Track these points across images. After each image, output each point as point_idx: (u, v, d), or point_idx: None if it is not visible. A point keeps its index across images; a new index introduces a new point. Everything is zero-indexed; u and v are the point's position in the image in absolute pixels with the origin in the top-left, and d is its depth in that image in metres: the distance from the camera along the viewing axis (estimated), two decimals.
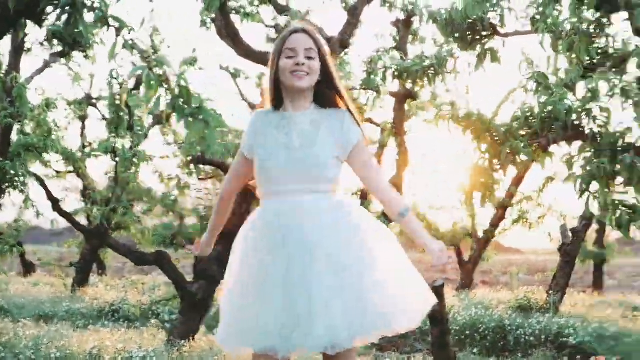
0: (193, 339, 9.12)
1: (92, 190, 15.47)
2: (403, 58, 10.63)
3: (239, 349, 4.20)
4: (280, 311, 4.07)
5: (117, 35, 3.66)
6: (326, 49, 4.49)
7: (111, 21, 3.68)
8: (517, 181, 17.86)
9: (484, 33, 7.98)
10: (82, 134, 18.39)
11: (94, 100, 17.51)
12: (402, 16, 13.61)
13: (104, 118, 17.49)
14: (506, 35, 8.02)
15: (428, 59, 8.47)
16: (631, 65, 6.66)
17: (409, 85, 8.61)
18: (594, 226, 17.46)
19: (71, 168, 15.93)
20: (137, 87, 10.12)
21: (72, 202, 17.62)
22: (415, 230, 4.38)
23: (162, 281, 18.59)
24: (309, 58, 4.34)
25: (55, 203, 13.54)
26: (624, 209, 6.26)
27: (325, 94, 4.48)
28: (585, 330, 11.22)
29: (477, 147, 6.49)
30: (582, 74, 7.50)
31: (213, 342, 9.22)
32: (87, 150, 16.12)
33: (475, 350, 11.29)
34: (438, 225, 20.10)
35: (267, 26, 12.27)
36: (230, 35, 8.82)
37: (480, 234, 19.58)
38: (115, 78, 8.56)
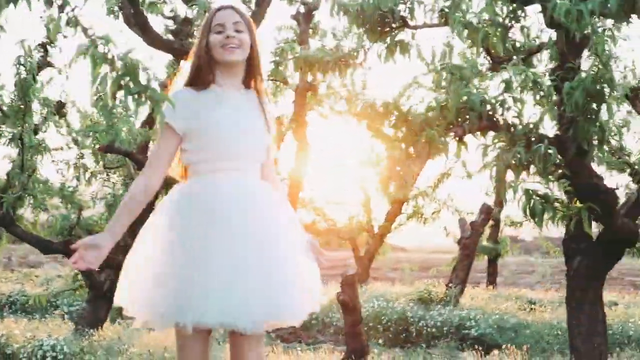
0: (101, 327, 9.01)
1: None
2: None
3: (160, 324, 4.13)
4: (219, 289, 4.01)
5: (61, 12, 3.54)
6: (253, 25, 4.48)
7: None
8: (413, 176, 18.01)
9: (394, 25, 8.01)
10: None
11: None
12: (302, 9, 13.62)
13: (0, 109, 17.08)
14: (415, 27, 8.05)
15: (336, 51, 8.47)
16: (544, 57, 6.80)
17: (320, 76, 8.58)
18: (490, 222, 17.76)
19: None
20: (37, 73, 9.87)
21: None
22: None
23: (55, 274, 18.38)
24: (238, 31, 4.32)
25: None
26: (537, 198, 6.35)
27: (249, 73, 4.46)
28: (486, 322, 11.41)
29: (394, 136, 6.51)
30: (490, 67, 7.64)
31: (119, 331, 9.13)
32: None
33: (380, 342, 11.38)
34: (335, 221, 20.16)
35: (165, 17, 12.14)
36: (138, 23, 8.70)
37: (376, 230, 19.70)
38: (22, 64, 8.36)
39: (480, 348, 10.37)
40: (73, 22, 3.66)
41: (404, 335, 11.72)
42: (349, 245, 20.35)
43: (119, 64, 3.60)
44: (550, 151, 6.13)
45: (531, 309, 13.15)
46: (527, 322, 11.52)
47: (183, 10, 11.24)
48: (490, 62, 7.67)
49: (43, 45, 12.09)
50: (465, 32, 6.68)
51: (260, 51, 4.49)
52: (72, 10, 3.66)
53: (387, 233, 19.64)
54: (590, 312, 7.22)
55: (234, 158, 4.25)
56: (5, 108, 9.17)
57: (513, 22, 6.53)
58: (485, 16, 6.55)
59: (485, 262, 19.53)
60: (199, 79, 4.33)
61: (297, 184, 13.30)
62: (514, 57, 7.50)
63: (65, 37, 7.92)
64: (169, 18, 11.95)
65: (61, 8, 3.64)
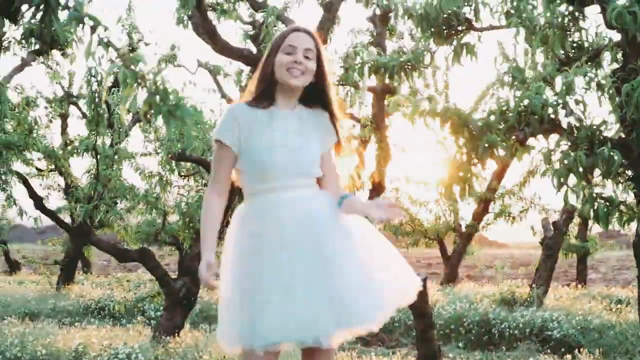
0: (178, 335, 9.13)
1: (75, 187, 15.46)
2: (380, 54, 10.62)
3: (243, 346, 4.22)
4: (298, 305, 4.13)
5: (92, 33, 3.62)
6: (325, 53, 4.53)
7: (86, 20, 3.63)
8: (499, 175, 17.88)
9: (460, 28, 7.95)
10: (63, 132, 18.36)
11: (74, 99, 17.47)
12: (378, 12, 13.60)
13: (84, 116, 17.43)
14: (481, 29, 7.98)
15: (405, 54, 8.44)
16: (605, 58, 6.67)
17: (387, 80, 8.56)
18: (577, 219, 17.48)
19: (52, 166, 15.91)
20: (116, 84, 10.08)
21: (55, 200, 17.55)
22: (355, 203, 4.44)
23: (147, 278, 18.63)
24: (307, 58, 4.40)
25: (39, 201, 13.52)
26: (601, 201, 6.25)
27: (315, 95, 4.52)
28: (569, 323, 11.24)
29: (454, 141, 6.46)
30: (557, 68, 7.51)
31: (198, 337, 9.25)
32: (70, 148, 16.12)
33: (460, 344, 11.31)
34: (422, 220, 20.11)
35: (244, 23, 12.24)
36: (207, 32, 8.79)
37: (463, 229, 19.59)
38: (94, 76, 8.52)
39: (562, 350, 10.25)
40: (104, 44, 3.72)
41: (485, 337, 11.62)
42: (436, 245, 20.30)
43: (150, 83, 3.66)
44: (613, 154, 6.02)
45: (617, 308, 12.88)
46: (612, 323, 11.30)
47: (260, 16, 11.34)
48: (558, 63, 7.55)
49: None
50: (523, 34, 6.61)
51: (329, 75, 4.56)
52: (105, 31, 3.72)
53: (474, 232, 19.52)
54: None
55: (285, 177, 4.34)
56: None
57: (571, 23, 6.41)
58: (542, 20, 6.46)
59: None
60: (260, 95, 4.42)
61: (379, 186, 13.28)
62: (582, 57, 7.42)
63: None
64: (247, 23, 12.07)
65: (93, 29, 3.71)
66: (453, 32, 7.98)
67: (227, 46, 9.03)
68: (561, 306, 13.20)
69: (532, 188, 18.39)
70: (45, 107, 16.26)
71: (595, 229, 18.86)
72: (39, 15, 4.19)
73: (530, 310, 12.17)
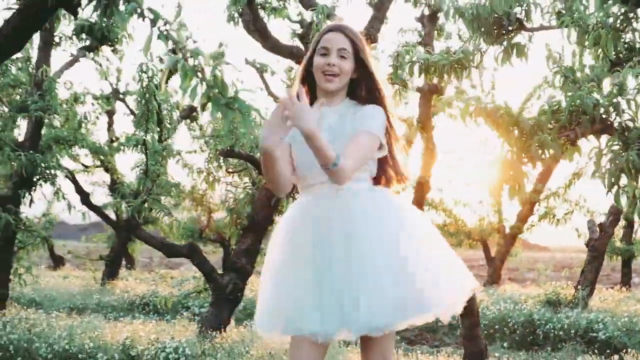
0: (224, 330, 9.22)
1: (121, 183, 15.63)
2: (430, 52, 10.65)
3: (276, 334, 4.41)
4: (322, 295, 4.22)
5: (153, 26, 3.70)
6: (364, 48, 4.54)
7: (146, 12, 3.71)
8: (544, 177, 17.84)
9: (510, 28, 7.96)
10: (110, 129, 18.56)
11: (121, 95, 17.65)
12: (427, 11, 13.62)
13: (132, 112, 17.61)
14: (532, 29, 7.99)
15: (455, 54, 8.46)
16: None
17: (435, 80, 8.58)
18: (622, 222, 17.41)
19: (98, 162, 16.09)
20: (166, 80, 10.19)
21: (99, 197, 17.71)
22: None
23: (191, 275, 18.81)
24: (342, 57, 4.43)
25: (86, 196, 13.67)
26: None
27: (363, 92, 4.54)
28: (614, 325, 11.22)
29: (504, 140, 6.48)
30: (608, 68, 7.51)
31: (243, 333, 9.32)
32: (115, 144, 16.29)
33: (505, 344, 11.32)
34: (465, 221, 20.09)
35: (292, 21, 12.32)
36: (258, 29, 8.87)
37: (507, 230, 19.56)
38: (145, 72, 8.61)
39: (608, 351, 10.24)
40: (164, 37, 3.80)
41: (530, 338, 11.62)
42: (479, 246, 20.28)
43: (208, 76, 3.73)
44: None
45: None
46: None
47: (309, 14, 11.40)
48: (609, 64, 7.55)
49: (173, 51, 12.42)
50: (575, 34, 6.62)
51: (374, 69, 4.57)
52: (165, 24, 3.80)
53: (518, 234, 19.49)
54: None
55: (315, 174, 4.39)
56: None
57: (625, 24, 6.41)
58: (594, 20, 6.47)
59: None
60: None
61: (424, 186, 13.29)
62: (632, 58, 7.42)
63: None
64: (295, 22, 12.15)
65: (153, 22, 3.79)
66: (504, 32, 7.99)
67: (277, 44, 9.11)
68: (606, 308, 13.18)
69: (577, 190, 18.35)
70: (92, 104, 16.42)
71: None
72: (98, 9, 4.28)
73: (575, 311, 12.16)
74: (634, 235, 18.33)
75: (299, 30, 11.51)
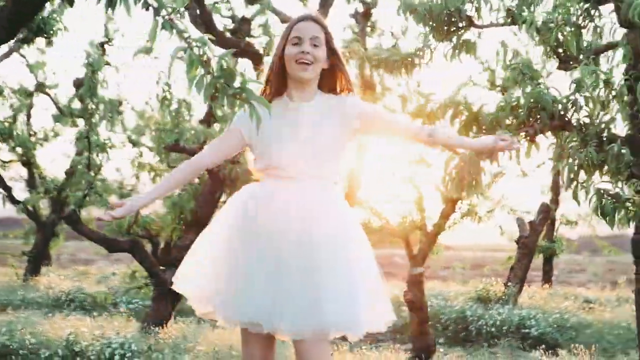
0: (166, 325, 9.11)
1: (44, 178, 15.33)
2: (366, 49, 10.65)
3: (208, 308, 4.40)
4: (271, 289, 4.19)
5: (156, 15, 3.60)
6: (333, 36, 4.52)
7: (150, 0, 3.61)
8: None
9: (460, 25, 8.00)
10: (28, 123, 18.20)
11: (46, 89, 17.31)
12: (360, 8, 13.61)
13: (57, 107, 17.27)
14: (482, 26, 8.03)
15: (399, 50, 8.48)
16: (614, 55, 6.75)
17: (384, 75, 8.59)
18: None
19: (20, 157, 15.78)
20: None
21: (18, 192, 17.37)
22: (453, 138, 4.82)
23: (109, 271, 18.62)
24: (315, 46, 4.38)
25: (9, 191, 13.40)
26: (608, 198, 6.32)
27: (331, 81, 4.52)
28: (546, 321, 11.37)
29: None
30: (558, 66, 7.60)
31: (184, 328, 9.24)
32: (34, 139, 16.01)
33: (440, 340, 11.39)
34: (388, 219, 20.11)
35: (222, 16, 12.24)
36: (205, 23, 8.78)
37: (430, 228, 19.64)
38: (91, 64, 8.45)
39: (542, 347, 10.37)
40: (168, 26, 3.71)
41: (463, 334, 11.72)
42: (401, 244, 20.33)
43: (214, 66, 3.65)
44: (623, 151, 6.10)
45: (590, 308, 13.06)
46: (588, 322, 11.46)
47: (241, 10, 11.32)
48: (558, 61, 7.63)
49: (102, 45, 12.23)
50: (536, 31, 6.68)
51: (342, 59, 4.55)
52: (169, 14, 3.71)
53: (440, 232, 19.59)
54: None
55: (293, 170, 4.36)
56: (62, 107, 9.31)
57: (587, 21, 6.48)
58: (558, 16, 6.53)
59: (538, 260, 19.45)
60: (272, 88, 4.42)
61: (355, 183, 13.29)
62: (580, 56, 7.51)
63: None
64: (227, 17, 12.07)
65: (157, 11, 3.70)
66: (454, 29, 8.02)
67: (223, 37, 9.03)
68: (535, 305, 13.36)
69: (499, 189, 18.56)
70: (10, 97, 16.15)
71: (561, 230, 19.09)
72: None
73: (506, 308, 12.29)
74: (555, 233, 18.63)
75: (230, 26, 11.43)
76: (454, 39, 8.07)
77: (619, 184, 6.42)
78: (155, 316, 9.17)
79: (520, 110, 6.48)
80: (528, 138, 6.53)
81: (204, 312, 4.44)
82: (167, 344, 8.48)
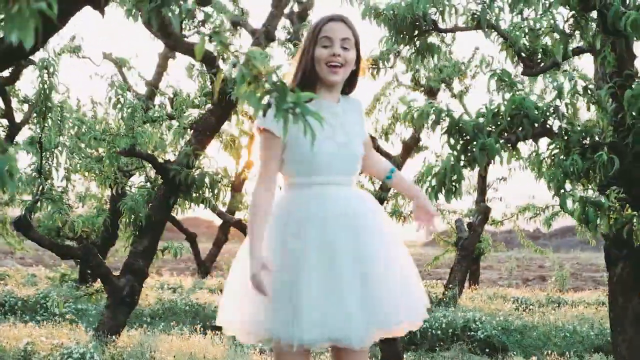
0: (119, 334, 8.86)
1: None
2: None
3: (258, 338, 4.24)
4: (323, 305, 4.05)
5: (202, 27, 3.39)
6: (359, 38, 4.45)
7: (197, 13, 3.39)
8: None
9: (424, 28, 7.94)
10: None
11: None
12: (296, 8, 13.48)
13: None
14: (445, 30, 8.00)
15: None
16: (581, 62, 6.75)
17: None
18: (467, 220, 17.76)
19: None
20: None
21: None
22: (404, 183, 4.79)
23: (27, 274, 18.24)
24: (345, 49, 4.29)
25: None
26: (591, 206, 6.29)
27: (352, 83, 4.50)
28: (490, 324, 11.35)
29: (447, 142, 6.41)
30: (523, 72, 7.58)
31: (135, 337, 9.05)
32: None
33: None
34: None
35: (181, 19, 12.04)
36: (161, 26, 8.51)
37: None
38: (45, 68, 8.13)
39: (487, 350, 10.36)
40: (220, 41, 3.49)
41: (407, 337, 11.62)
42: None
43: (265, 81, 3.44)
44: (612, 158, 6.08)
45: (529, 309, 13.12)
46: (533, 324, 11.48)
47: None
48: (523, 66, 7.62)
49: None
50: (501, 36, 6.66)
51: (363, 63, 4.50)
52: (220, 25, 3.50)
53: None
54: (634, 318, 7.17)
55: (328, 172, 4.26)
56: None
57: (574, 28, 6.44)
58: (546, 23, 6.49)
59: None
60: (302, 89, 4.27)
61: None
62: (542, 63, 7.52)
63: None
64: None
65: (202, 23, 3.48)
66: (417, 33, 7.96)
67: (180, 41, 8.78)
68: (477, 307, 13.35)
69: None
70: None
71: (487, 230, 19.23)
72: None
73: (450, 310, 12.26)
74: (483, 233, 18.75)
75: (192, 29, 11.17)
76: (418, 43, 8.03)
77: (599, 192, 6.42)
78: (111, 325, 8.88)
79: (501, 117, 6.41)
80: (509, 145, 6.47)
81: (255, 341, 4.35)
82: (129, 354, 8.22)
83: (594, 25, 6.46)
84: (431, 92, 15.77)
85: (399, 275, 4.27)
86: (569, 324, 11.34)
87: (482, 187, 17.25)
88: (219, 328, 4.39)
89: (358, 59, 4.41)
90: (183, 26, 10.32)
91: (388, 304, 4.16)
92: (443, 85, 15.71)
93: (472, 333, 11.19)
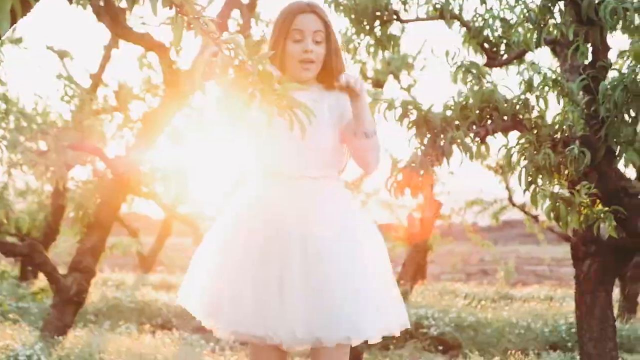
0: (66, 334, 8.55)
1: None
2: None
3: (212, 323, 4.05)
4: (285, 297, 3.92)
5: (181, 14, 3.10)
6: (331, 28, 4.19)
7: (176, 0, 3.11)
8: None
9: (385, 19, 7.77)
10: None
11: None
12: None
13: None
14: (407, 21, 7.84)
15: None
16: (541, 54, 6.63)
17: None
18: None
19: None
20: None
21: None
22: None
23: None
24: (317, 42, 4.04)
25: None
26: (561, 201, 6.14)
27: (329, 72, 4.14)
28: (443, 320, 11.16)
29: (415, 137, 6.21)
30: (486, 63, 7.43)
31: (84, 337, 8.75)
32: None
33: None
34: None
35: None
36: (110, 14, 8.18)
37: None
38: None
39: (441, 348, 10.22)
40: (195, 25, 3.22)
41: None
42: None
43: (248, 69, 3.19)
44: (583, 152, 5.93)
45: (481, 305, 12.98)
46: (487, 320, 11.30)
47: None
48: (486, 58, 7.48)
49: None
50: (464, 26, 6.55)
51: (339, 50, 4.22)
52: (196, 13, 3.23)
53: None
54: (600, 316, 7.05)
55: (294, 166, 4.04)
56: None
57: (547, 18, 6.27)
58: (519, 12, 6.33)
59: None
60: None
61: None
62: (505, 55, 7.39)
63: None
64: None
65: (182, 10, 3.21)
66: (379, 23, 7.78)
67: (129, 31, 8.48)
68: (428, 303, 13.13)
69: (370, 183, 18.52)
70: None
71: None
72: None
73: None
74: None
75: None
76: (379, 33, 7.86)
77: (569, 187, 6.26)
78: (57, 324, 8.55)
79: (470, 110, 6.22)
80: (479, 139, 6.29)
81: (211, 327, 4.08)
82: (77, 355, 7.93)
83: (558, 16, 6.30)
84: (378, 84, 15.63)
85: (364, 285, 4.04)
86: (523, 321, 11.20)
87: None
88: (168, 327, 4.20)
89: (333, 51, 4.12)
90: (131, 16, 10.00)
91: (341, 312, 3.96)
92: (391, 76, 15.58)
93: (425, 330, 10.97)
